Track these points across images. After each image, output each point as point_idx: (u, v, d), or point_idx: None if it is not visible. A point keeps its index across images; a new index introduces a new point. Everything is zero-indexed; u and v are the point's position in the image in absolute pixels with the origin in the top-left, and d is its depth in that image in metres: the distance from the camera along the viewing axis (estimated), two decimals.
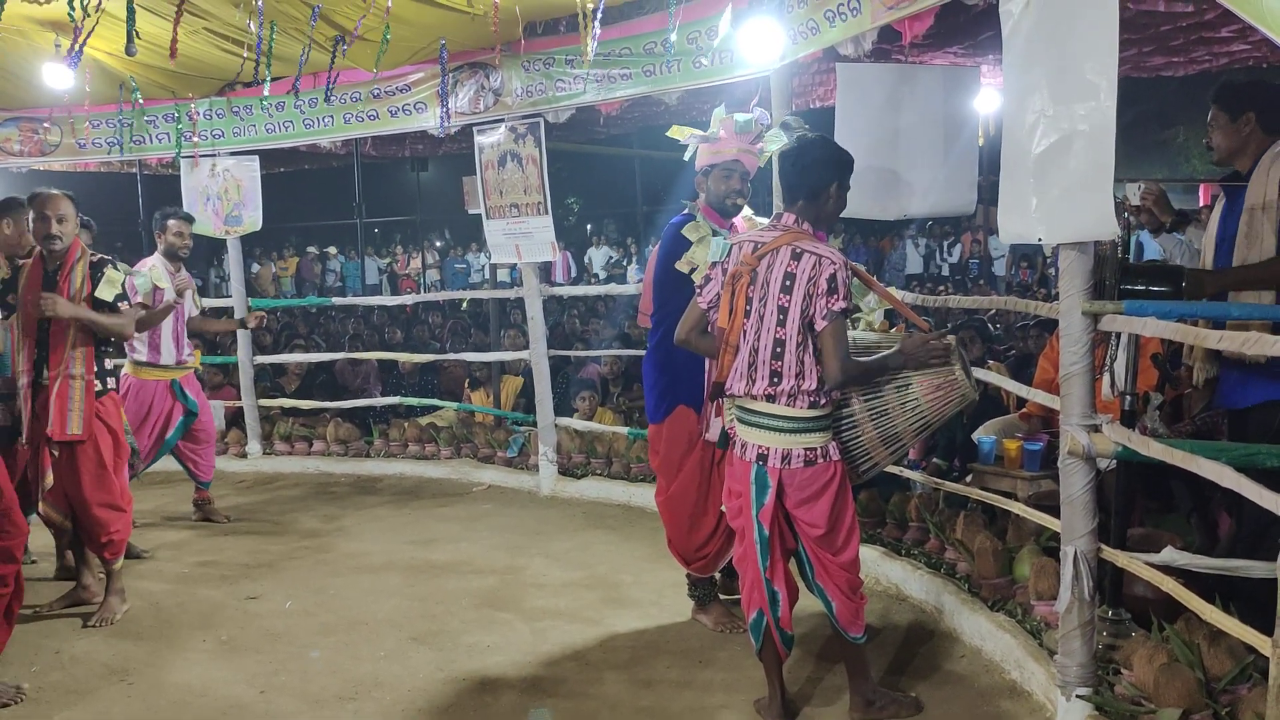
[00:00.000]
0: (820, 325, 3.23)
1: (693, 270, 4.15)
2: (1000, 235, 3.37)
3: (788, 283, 3.25)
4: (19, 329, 4.41)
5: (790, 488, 3.34)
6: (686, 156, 4.42)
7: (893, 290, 4.49)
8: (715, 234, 4.20)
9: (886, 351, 3.51)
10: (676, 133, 4.42)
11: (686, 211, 4.35)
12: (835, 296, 3.22)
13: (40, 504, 4.56)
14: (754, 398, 3.33)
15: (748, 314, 3.33)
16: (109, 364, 4.68)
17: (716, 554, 4.35)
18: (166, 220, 6.03)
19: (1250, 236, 3.44)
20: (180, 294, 6.00)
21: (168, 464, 6.47)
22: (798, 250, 3.28)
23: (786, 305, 3.26)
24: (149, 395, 6.02)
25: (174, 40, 5.07)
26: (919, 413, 3.55)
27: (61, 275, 4.44)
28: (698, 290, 3.54)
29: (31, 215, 4.45)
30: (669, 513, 4.41)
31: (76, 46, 4.80)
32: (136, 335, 5.61)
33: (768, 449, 3.33)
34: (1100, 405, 3.41)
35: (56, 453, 4.47)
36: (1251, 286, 3.43)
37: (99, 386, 4.57)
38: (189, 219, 6.16)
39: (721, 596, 4.50)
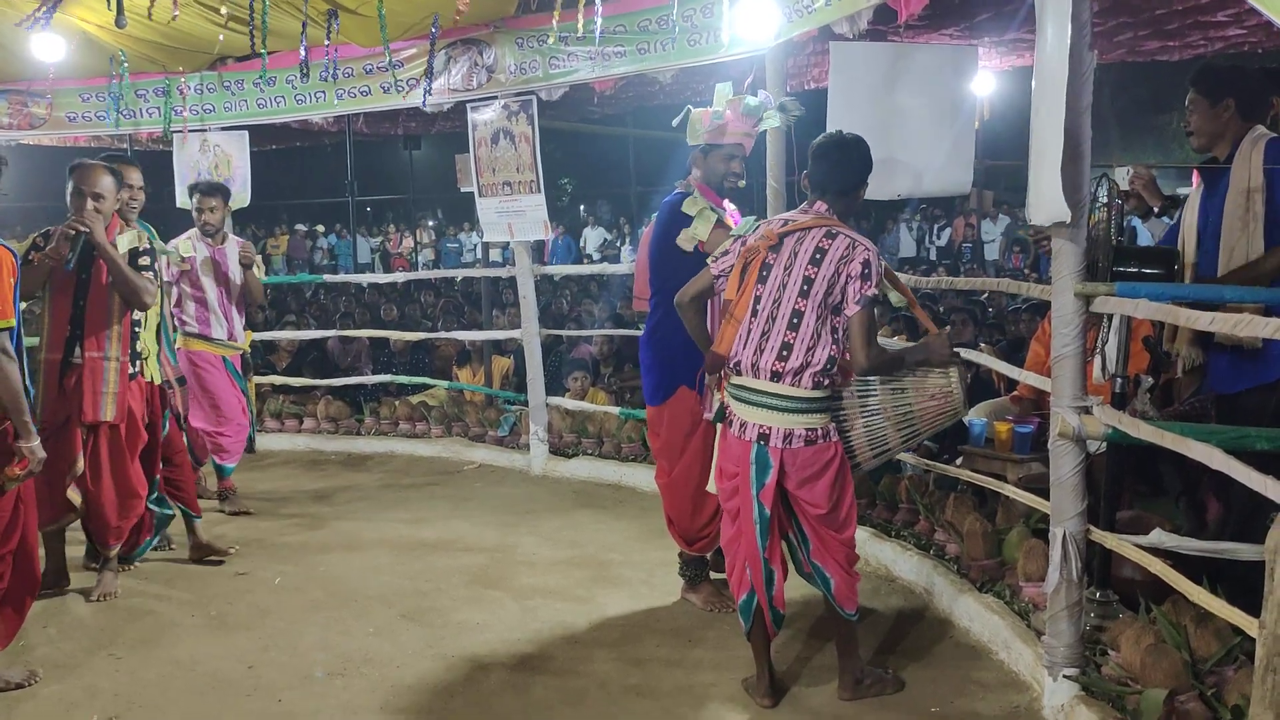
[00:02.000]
0: (851, 310, 3.25)
1: (695, 247, 4.10)
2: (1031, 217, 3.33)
3: (818, 256, 3.27)
4: (49, 305, 4.30)
5: (792, 468, 3.34)
6: (675, 123, 4.34)
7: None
8: (713, 211, 4.18)
9: (908, 345, 3.55)
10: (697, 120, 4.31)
11: (679, 190, 4.32)
12: (868, 283, 3.24)
13: (67, 490, 4.46)
14: (757, 376, 3.33)
15: (764, 283, 3.33)
16: (139, 345, 4.59)
17: (718, 533, 4.33)
18: (191, 195, 6.06)
19: (1243, 220, 3.43)
20: (246, 265, 6.02)
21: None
22: (833, 231, 3.30)
23: (813, 277, 3.26)
24: (217, 365, 5.95)
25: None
26: (910, 421, 3.60)
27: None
28: (712, 259, 3.52)
29: (70, 189, 4.27)
30: (672, 495, 4.40)
31: (43, 11, 4.71)
32: (178, 308, 5.76)
33: (769, 429, 3.33)
34: (1091, 388, 3.41)
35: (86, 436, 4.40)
36: (1265, 279, 3.43)
37: (131, 370, 4.50)
38: (211, 190, 6.02)
39: (713, 575, 4.50)
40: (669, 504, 4.44)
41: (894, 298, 3.76)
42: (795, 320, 3.29)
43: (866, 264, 3.24)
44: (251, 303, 6.20)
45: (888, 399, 3.57)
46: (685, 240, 4.15)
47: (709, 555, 4.48)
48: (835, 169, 3.42)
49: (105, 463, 4.47)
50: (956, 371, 3.55)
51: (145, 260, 4.51)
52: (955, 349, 3.63)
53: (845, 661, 3.55)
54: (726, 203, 4.34)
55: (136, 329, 4.55)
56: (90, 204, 4.20)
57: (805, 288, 3.28)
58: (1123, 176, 3.96)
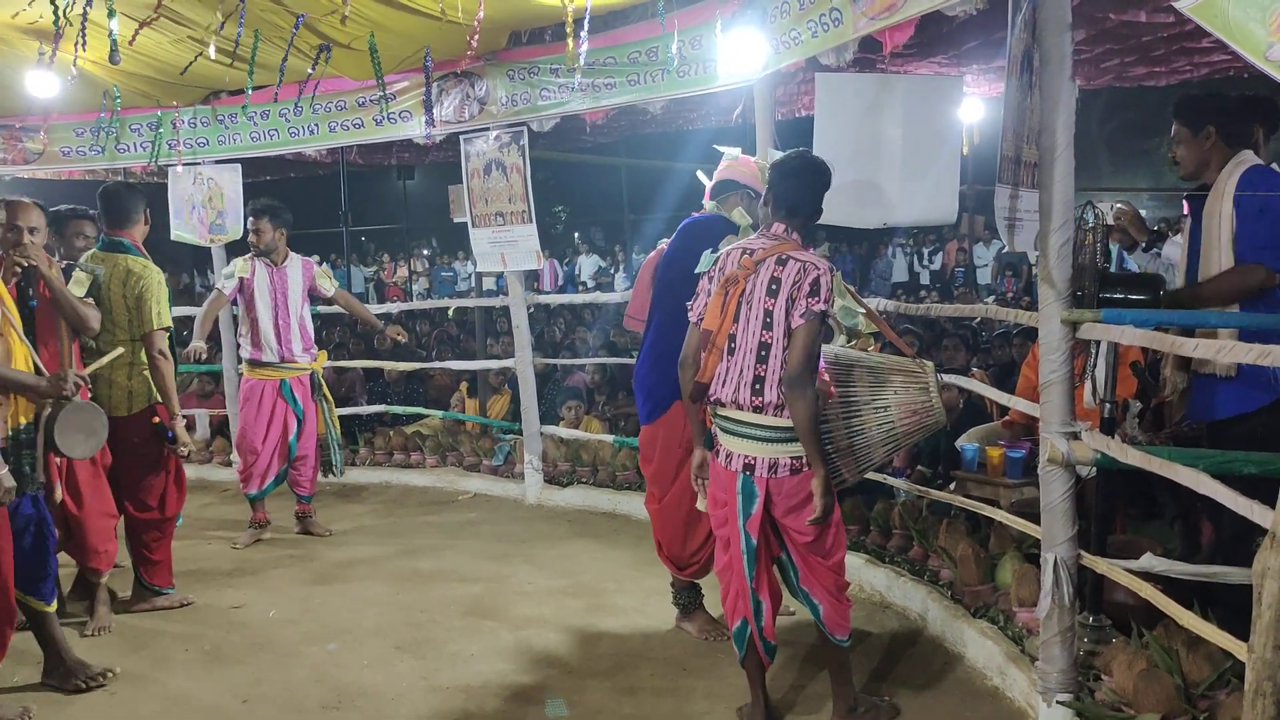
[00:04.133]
0: (797, 322, 3.23)
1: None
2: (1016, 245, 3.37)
3: (773, 287, 3.27)
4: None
5: (778, 496, 3.34)
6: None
7: (873, 302, 4.55)
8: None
9: (866, 354, 3.59)
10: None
11: (710, 211, 4.32)
12: (816, 299, 3.23)
13: None
14: (740, 407, 3.34)
15: (736, 319, 3.34)
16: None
17: (709, 559, 4.32)
18: (245, 217, 6.23)
19: (1216, 247, 3.45)
20: (321, 285, 6.25)
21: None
22: (783, 257, 3.30)
23: (771, 308, 3.27)
24: (257, 395, 6.00)
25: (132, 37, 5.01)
26: (893, 434, 3.68)
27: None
28: (688, 307, 3.52)
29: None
30: (663, 519, 4.40)
31: (51, 54, 4.78)
32: (240, 332, 5.99)
33: (754, 459, 3.34)
34: (1081, 413, 3.44)
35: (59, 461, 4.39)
36: (1205, 305, 3.45)
37: (91, 393, 4.50)
38: (259, 211, 6.08)
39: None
40: (660, 529, 4.44)
41: (843, 314, 3.80)
42: (763, 353, 3.29)
43: (815, 282, 3.24)
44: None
45: (871, 418, 3.64)
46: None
47: (700, 584, 4.48)
48: (793, 184, 3.42)
49: (83, 485, 4.46)
50: (935, 385, 3.61)
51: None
52: (925, 364, 3.69)
53: (839, 689, 3.54)
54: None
55: (86, 357, 4.55)
56: (26, 237, 4.21)
57: (767, 319, 3.28)
58: (1106, 210, 3.99)
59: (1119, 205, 4.04)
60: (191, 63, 5.93)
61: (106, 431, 4.19)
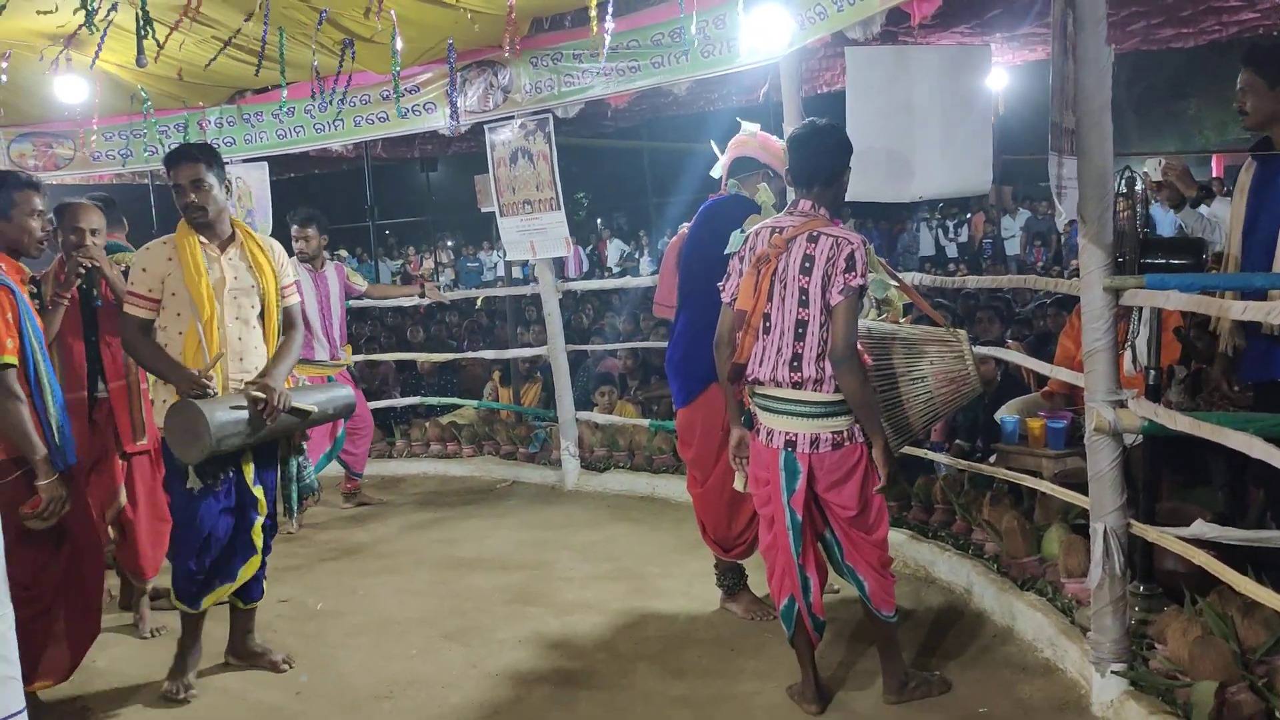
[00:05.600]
0: (835, 299, 3.22)
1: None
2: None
3: (807, 264, 3.26)
4: (59, 345, 4.23)
5: (820, 471, 3.34)
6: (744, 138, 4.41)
7: (907, 276, 4.53)
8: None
9: (899, 325, 3.58)
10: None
11: (733, 191, 4.31)
12: (853, 274, 3.22)
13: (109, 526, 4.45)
14: (778, 384, 3.33)
15: (770, 297, 3.33)
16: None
17: (754, 539, 4.28)
18: (290, 225, 6.44)
19: None
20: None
21: None
22: (814, 234, 3.29)
23: (806, 286, 3.26)
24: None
25: (159, 45, 5.05)
26: (931, 404, 3.68)
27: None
28: (721, 288, 3.52)
29: (62, 228, 4.30)
30: (706, 503, 4.40)
31: (62, 56, 4.79)
32: None
33: (795, 434, 3.33)
34: (1123, 381, 3.40)
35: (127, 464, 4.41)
36: None
37: (154, 396, 4.53)
38: (304, 220, 6.37)
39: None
40: (703, 512, 4.44)
41: (875, 287, 3.79)
42: (800, 331, 3.28)
43: (850, 257, 3.23)
44: None
45: (908, 389, 3.63)
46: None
47: (743, 564, 4.49)
48: (816, 157, 3.40)
49: (141, 491, 4.48)
50: (970, 354, 3.62)
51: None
52: (958, 332, 3.72)
53: (888, 664, 3.54)
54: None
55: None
56: (89, 239, 4.23)
57: (803, 297, 3.27)
58: (1153, 167, 3.93)
59: (1167, 160, 3.97)
60: (213, 59, 5.97)
61: (209, 435, 3.61)
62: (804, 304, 3.27)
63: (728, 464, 4.16)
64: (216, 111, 7.45)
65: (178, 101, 7.33)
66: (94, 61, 5.11)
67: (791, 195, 3.60)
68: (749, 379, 3.42)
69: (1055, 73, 3.03)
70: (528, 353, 7.91)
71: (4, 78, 6.12)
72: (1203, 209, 4.04)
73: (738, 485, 3.71)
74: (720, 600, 4.50)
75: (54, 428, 3.51)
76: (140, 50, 4.94)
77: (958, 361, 3.65)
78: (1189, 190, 4.00)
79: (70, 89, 6.43)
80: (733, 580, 4.46)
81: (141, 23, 4.60)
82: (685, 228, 4.56)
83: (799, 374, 3.28)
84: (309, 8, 5.34)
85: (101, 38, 5.01)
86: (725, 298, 3.49)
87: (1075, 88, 3.08)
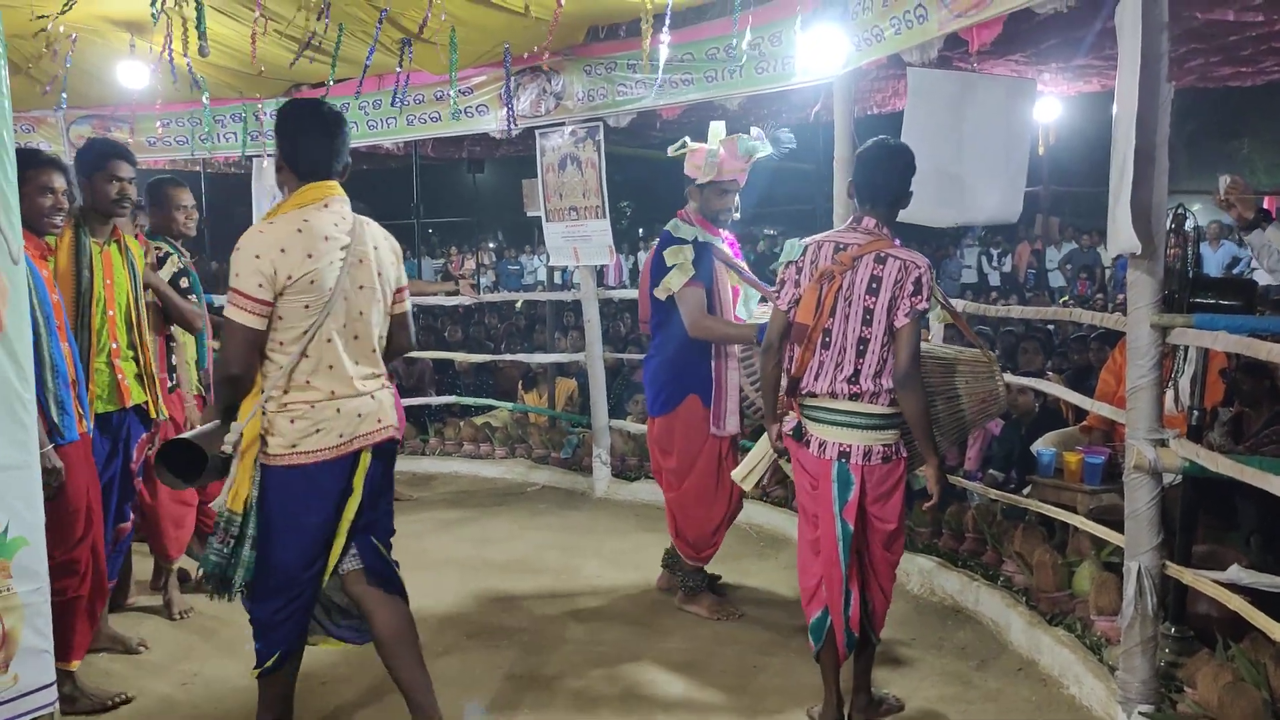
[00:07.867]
0: (901, 322, 3.26)
1: (668, 296, 4.41)
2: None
3: (874, 285, 3.28)
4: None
5: (870, 483, 3.36)
6: (672, 151, 4.63)
7: (959, 304, 4.56)
8: (706, 242, 4.47)
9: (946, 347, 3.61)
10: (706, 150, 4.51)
11: (679, 217, 4.59)
12: (919, 297, 3.27)
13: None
14: (835, 396, 3.34)
15: (832, 313, 3.34)
16: (173, 360, 4.68)
17: (721, 541, 4.66)
18: None
19: None
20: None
21: None
22: (882, 255, 3.30)
23: (872, 306, 3.29)
24: None
25: (252, 43, 5.16)
26: (960, 422, 3.74)
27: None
28: (775, 295, 3.54)
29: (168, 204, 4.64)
30: (684, 507, 4.62)
31: (157, 51, 4.92)
32: None
33: (849, 446, 3.34)
34: (1165, 419, 3.37)
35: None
36: None
37: (170, 382, 4.60)
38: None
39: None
40: (681, 517, 4.64)
41: (935, 314, 3.84)
42: (862, 348, 3.31)
43: (918, 281, 3.27)
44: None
45: (943, 406, 3.67)
46: (660, 290, 4.43)
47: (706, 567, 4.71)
48: (884, 176, 3.41)
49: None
50: (1000, 375, 3.73)
51: (184, 283, 4.63)
52: (990, 354, 3.79)
53: (862, 682, 3.58)
54: (724, 232, 4.62)
55: (171, 343, 4.63)
56: (182, 216, 4.56)
57: (867, 318, 3.29)
58: (1221, 184, 3.88)
59: (1230, 177, 3.92)
60: (294, 61, 6.05)
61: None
62: (867, 323, 3.30)
63: (704, 466, 4.54)
64: (273, 104, 7.54)
65: (235, 92, 7.44)
66: (166, 49, 5.19)
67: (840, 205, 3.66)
68: (803, 391, 3.42)
69: (1120, 107, 3.01)
70: (565, 358, 7.94)
71: (69, 62, 6.23)
72: (1262, 228, 3.98)
73: (735, 475, 4.02)
74: (679, 600, 4.67)
75: (51, 402, 3.42)
76: (202, 38, 5.02)
77: (989, 381, 3.72)
78: (1248, 211, 3.95)
79: (131, 74, 6.53)
80: (696, 581, 4.66)
81: (199, 14, 4.69)
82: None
83: (857, 387, 3.31)
84: (370, 6, 5.40)
85: (168, 27, 5.09)
86: (782, 305, 3.50)
87: (1135, 123, 3.06)
